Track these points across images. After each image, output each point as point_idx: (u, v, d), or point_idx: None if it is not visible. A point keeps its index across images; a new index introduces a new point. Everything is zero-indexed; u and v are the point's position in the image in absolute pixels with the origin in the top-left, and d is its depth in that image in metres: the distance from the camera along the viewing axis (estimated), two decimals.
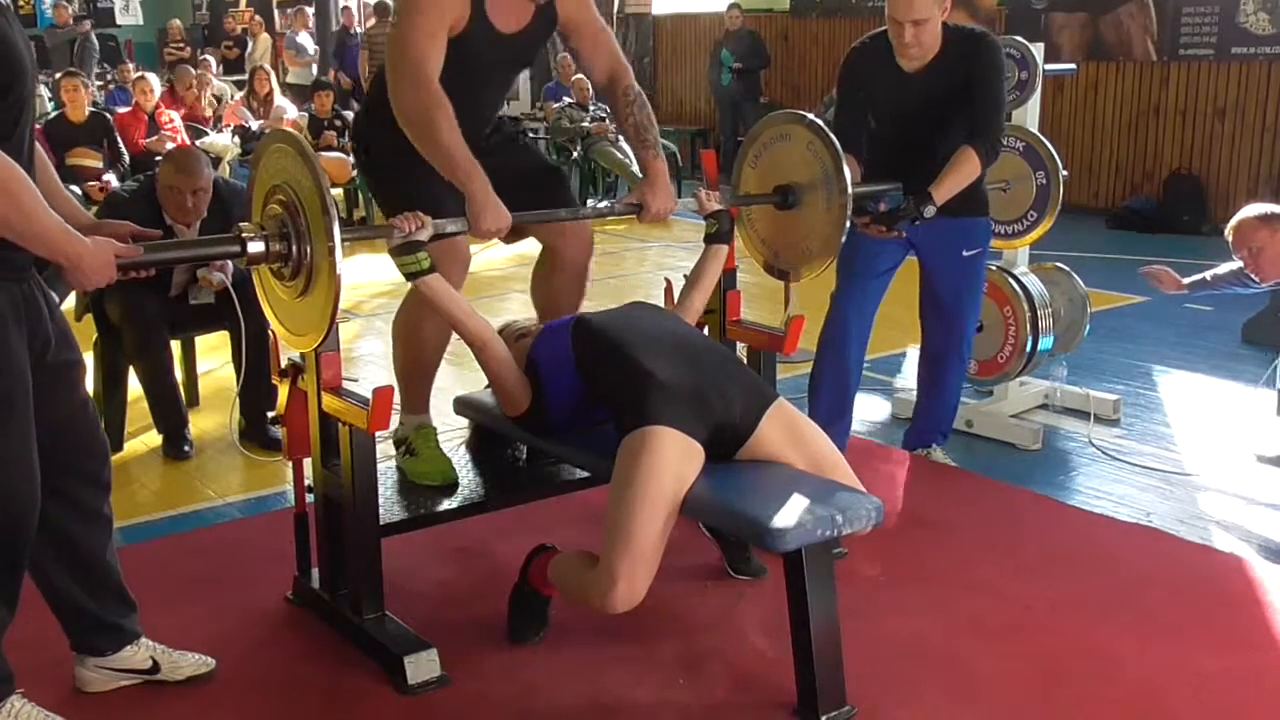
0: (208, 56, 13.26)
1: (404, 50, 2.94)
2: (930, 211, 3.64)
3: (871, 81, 3.84)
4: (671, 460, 2.65)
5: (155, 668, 2.84)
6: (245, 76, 11.51)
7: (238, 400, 4.45)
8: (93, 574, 2.72)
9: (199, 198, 4.26)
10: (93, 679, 2.82)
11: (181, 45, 14.81)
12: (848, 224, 3.44)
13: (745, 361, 3.56)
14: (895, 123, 3.85)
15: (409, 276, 2.87)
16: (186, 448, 4.46)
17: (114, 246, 2.44)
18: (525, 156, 3.45)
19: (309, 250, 2.72)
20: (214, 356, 5.26)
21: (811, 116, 3.56)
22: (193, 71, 10.30)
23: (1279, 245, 3.85)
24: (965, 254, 3.96)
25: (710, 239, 3.38)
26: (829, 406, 3.96)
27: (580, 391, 2.96)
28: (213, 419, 4.76)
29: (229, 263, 4.36)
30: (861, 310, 3.98)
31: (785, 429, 2.85)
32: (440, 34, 2.96)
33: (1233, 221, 4.00)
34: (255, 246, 2.73)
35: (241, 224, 2.81)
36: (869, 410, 4.91)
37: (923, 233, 3.85)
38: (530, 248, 3.56)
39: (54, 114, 8.83)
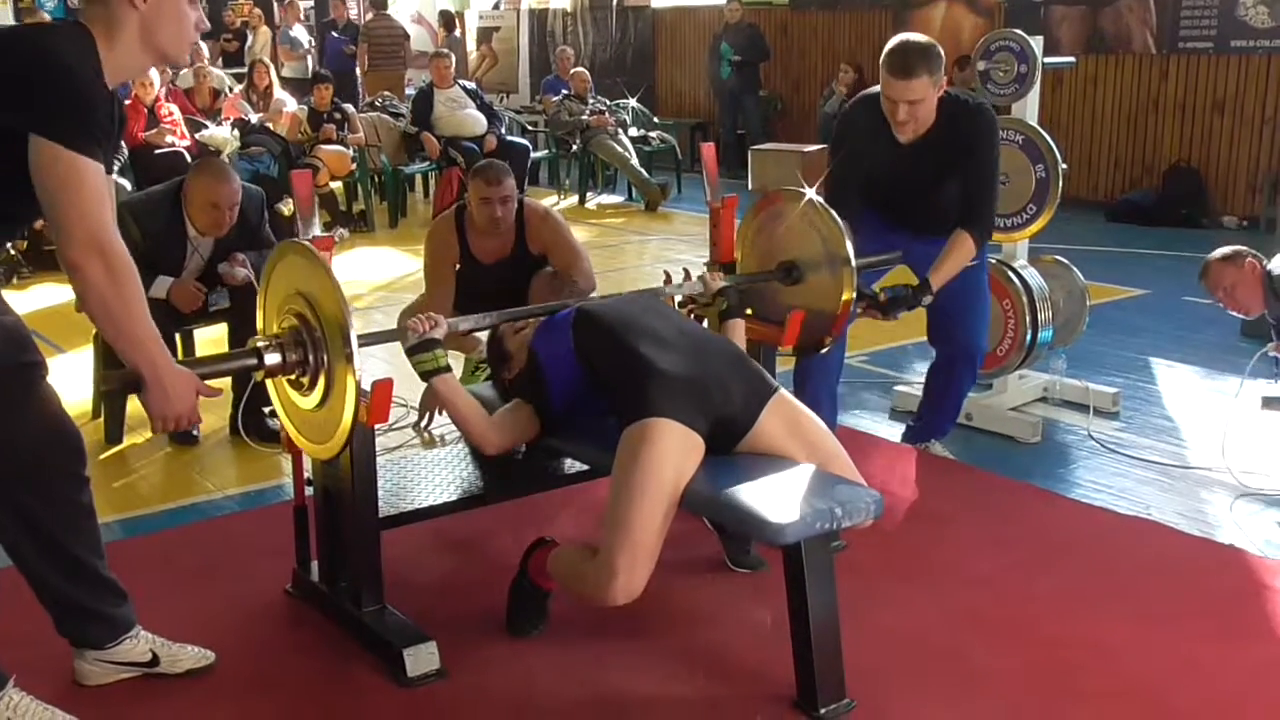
0: (201, 45, 13.14)
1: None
2: (928, 300, 3.72)
3: (866, 145, 3.83)
4: (671, 452, 2.65)
5: (154, 660, 2.85)
6: (245, 70, 11.47)
7: (233, 393, 4.46)
8: (77, 565, 2.72)
9: (234, 211, 4.30)
10: (91, 672, 2.82)
11: None
12: (855, 311, 3.51)
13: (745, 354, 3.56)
14: (891, 185, 3.86)
15: (425, 375, 2.91)
16: (195, 432, 4.47)
17: (197, 380, 2.47)
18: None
19: (325, 359, 2.70)
20: (215, 350, 5.24)
21: (811, 194, 3.53)
22: (153, 73, 10.15)
23: (1247, 278, 3.93)
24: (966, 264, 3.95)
25: (723, 316, 3.37)
26: (811, 401, 3.94)
27: (582, 382, 2.96)
28: (212, 414, 4.75)
29: (246, 261, 4.37)
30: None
31: (785, 421, 2.85)
32: (440, 291, 4.31)
33: (1201, 269, 4.05)
34: (272, 358, 2.72)
35: (256, 338, 2.80)
36: (868, 404, 4.91)
37: (918, 250, 3.88)
38: None
39: None
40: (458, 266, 4.35)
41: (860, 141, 3.85)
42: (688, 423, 2.70)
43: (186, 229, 4.31)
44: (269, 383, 2.93)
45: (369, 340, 2.85)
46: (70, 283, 2.31)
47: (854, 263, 3.41)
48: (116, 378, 2.45)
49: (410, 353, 2.90)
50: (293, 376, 2.79)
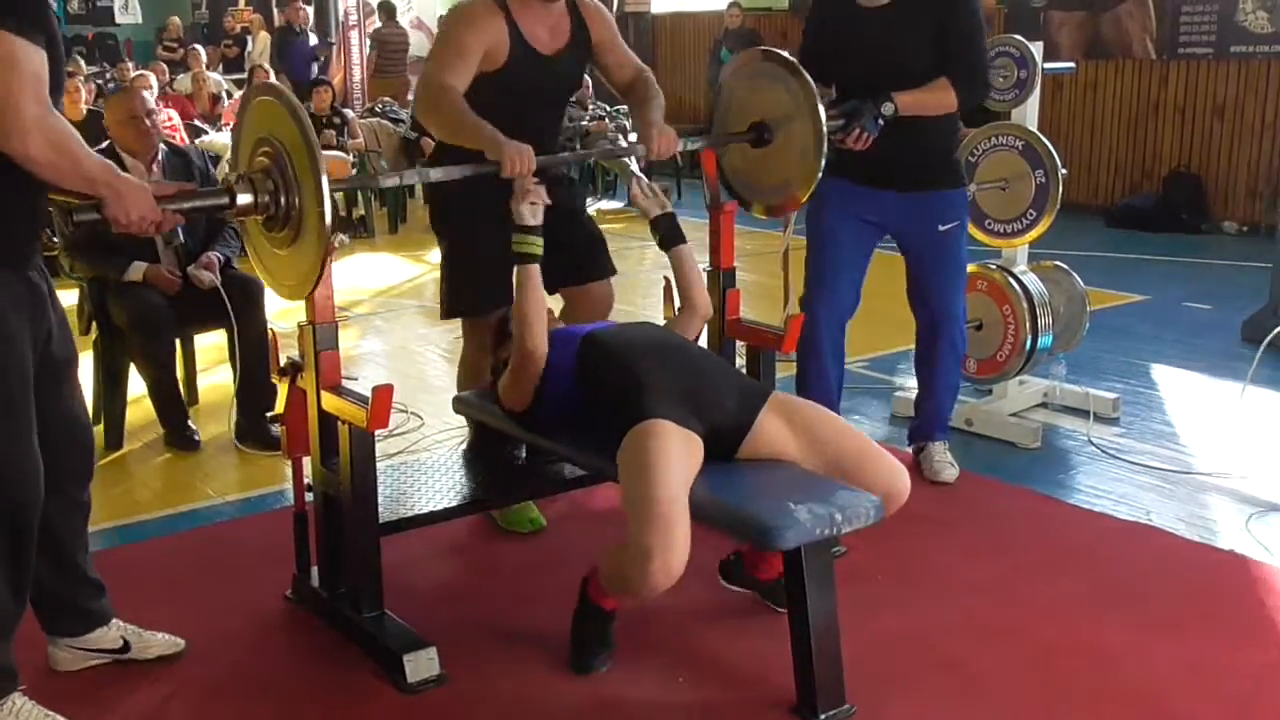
0: (196, 47, 13.13)
1: (428, 83, 3.28)
2: (889, 109, 3.57)
3: (834, 18, 3.79)
4: (674, 444, 2.65)
5: (126, 647, 2.89)
6: (245, 75, 11.48)
7: (235, 399, 4.48)
8: (67, 560, 2.76)
9: (153, 119, 4.46)
10: (65, 658, 2.86)
11: (175, 45, 14.74)
12: (824, 149, 3.35)
13: (746, 359, 3.57)
14: (858, 71, 3.77)
15: (521, 257, 2.89)
16: (195, 438, 4.50)
17: (150, 186, 2.55)
18: (576, 227, 3.60)
19: (297, 199, 2.71)
20: (213, 357, 5.26)
21: (786, 54, 3.52)
22: (150, 76, 10.18)
23: None
24: (941, 229, 3.88)
25: (663, 245, 3.29)
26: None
27: (574, 400, 2.95)
28: (212, 419, 4.76)
29: (216, 262, 4.41)
30: (831, 310, 3.94)
31: (786, 419, 2.84)
32: (461, 68, 3.27)
33: None
34: (244, 198, 2.73)
35: (228, 175, 2.84)
36: (868, 410, 4.91)
37: (895, 212, 3.83)
38: None
39: None
40: (504, 61, 3.38)
41: (828, 13, 3.82)
42: (684, 425, 2.70)
43: (129, 171, 4.36)
44: (243, 227, 2.95)
45: (340, 187, 2.82)
46: (14, 157, 2.32)
47: (825, 120, 3.35)
48: (82, 208, 2.49)
49: (519, 230, 2.89)
50: (263, 219, 2.80)
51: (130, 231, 2.50)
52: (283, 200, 2.72)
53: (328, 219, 2.61)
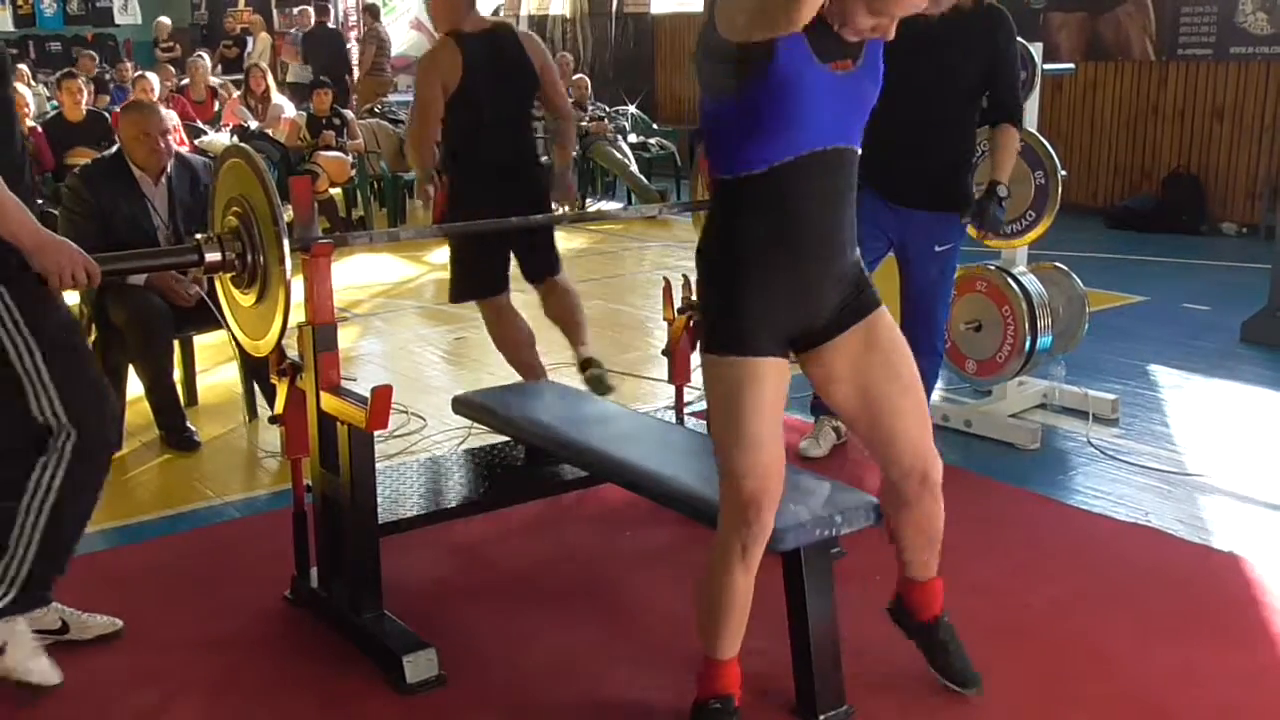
0: (202, 54, 13.15)
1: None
2: (1004, 190, 3.90)
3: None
4: (769, 385, 2.41)
5: (64, 628, 2.91)
6: (243, 76, 11.47)
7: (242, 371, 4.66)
8: (54, 543, 2.77)
9: (166, 139, 4.46)
10: None
11: (171, 46, 14.72)
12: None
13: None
14: (900, 72, 3.81)
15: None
16: (194, 438, 4.51)
17: (73, 245, 2.61)
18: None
19: (262, 259, 2.81)
20: (213, 357, 5.26)
21: None
22: (153, 79, 10.14)
23: None
24: (937, 249, 4.03)
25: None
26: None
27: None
28: (213, 421, 4.76)
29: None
30: None
31: (866, 345, 2.54)
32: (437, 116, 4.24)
33: None
34: (212, 255, 2.85)
35: (199, 235, 2.93)
36: None
37: (903, 226, 3.98)
38: None
39: (53, 114, 8.82)
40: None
41: None
42: (776, 353, 2.44)
43: (137, 182, 4.44)
44: (218, 283, 3.05)
45: (302, 243, 2.86)
46: None
47: None
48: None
49: None
50: (231, 275, 2.92)
51: (63, 286, 2.59)
52: (249, 259, 2.84)
53: (288, 276, 2.72)
